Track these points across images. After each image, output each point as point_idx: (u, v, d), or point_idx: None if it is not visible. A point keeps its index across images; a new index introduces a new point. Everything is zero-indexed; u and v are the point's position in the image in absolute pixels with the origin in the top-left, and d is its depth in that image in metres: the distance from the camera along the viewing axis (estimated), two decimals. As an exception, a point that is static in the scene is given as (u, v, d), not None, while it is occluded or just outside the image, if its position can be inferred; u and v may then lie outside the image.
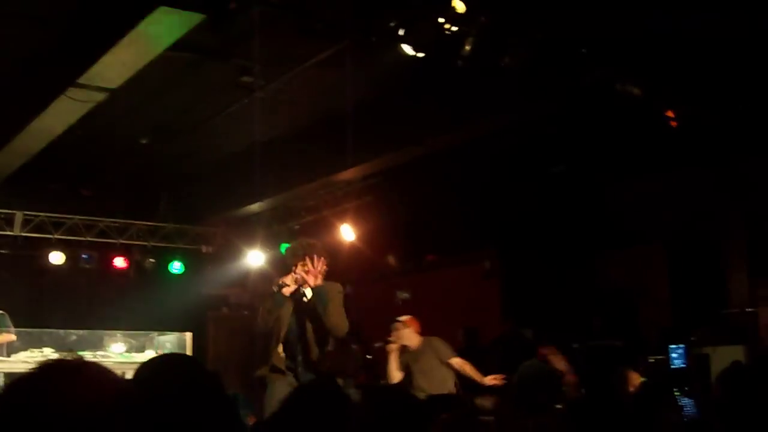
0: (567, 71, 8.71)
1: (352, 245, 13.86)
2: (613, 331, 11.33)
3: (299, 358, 7.73)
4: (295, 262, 7.69)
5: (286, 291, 7.67)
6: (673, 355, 10.36)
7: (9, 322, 12.58)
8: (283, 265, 8.11)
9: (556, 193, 11.90)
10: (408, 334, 9.69)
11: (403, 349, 9.64)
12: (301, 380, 7.64)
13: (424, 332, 9.81)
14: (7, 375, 12.10)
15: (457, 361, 9.57)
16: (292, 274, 7.67)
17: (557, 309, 12.06)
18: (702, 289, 11.19)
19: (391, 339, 9.73)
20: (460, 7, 7.54)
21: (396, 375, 9.53)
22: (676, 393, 8.13)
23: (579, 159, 11.34)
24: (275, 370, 7.69)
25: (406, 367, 9.55)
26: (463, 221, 12.89)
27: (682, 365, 10.24)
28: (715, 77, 9.05)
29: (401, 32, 7.72)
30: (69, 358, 1.67)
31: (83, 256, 15.17)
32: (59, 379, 1.54)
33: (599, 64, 8.68)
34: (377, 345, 10.11)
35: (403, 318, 9.94)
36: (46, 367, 1.56)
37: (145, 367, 2.32)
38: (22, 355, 11.85)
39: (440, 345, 9.70)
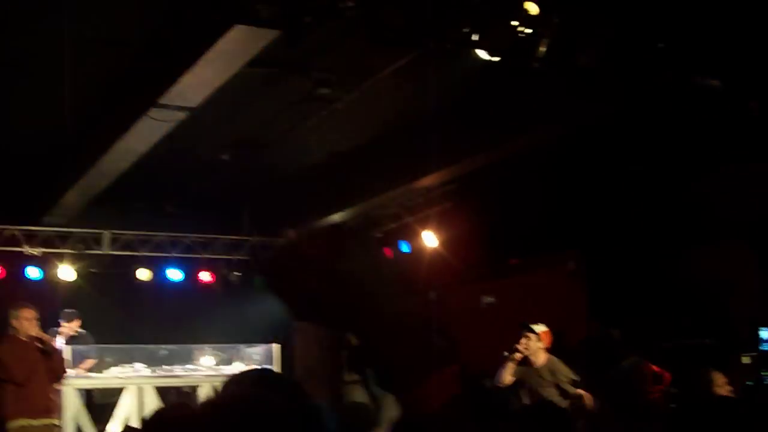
0: (644, 67, 8.61)
1: (435, 251, 13.86)
2: (703, 329, 11.13)
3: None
4: None
5: None
6: (764, 336, 10.15)
7: (92, 340, 12.84)
8: None
9: (639, 191, 11.73)
10: (537, 350, 9.63)
11: (525, 360, 9.58)
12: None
13: (512, 335, 9.76)
14: (101, 390, 12.38)
15: (575, 391, 9.41)
16: None
17: (645, 308, 11.89)
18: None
19: (519, 348, 9.63)
20: (533, 9, 7.49)
21: (508, 379, 9.45)
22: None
23: (662, 155, 11.16)
24: None
25: (519, 378, 9.48)
26: (545, 223, 12.77)
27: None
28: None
29: (475, 37, 7.69)
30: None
31: (170, 271, 15.42)
32: None
33: (676, 58, 8.56)
34: (505, 354, 9.98)
35: (539, 329, 9.85)
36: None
37: (231, 382, 2.35)
38: (114, 371, 12.07)
39: (562, 369, 9.60)
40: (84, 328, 12.93)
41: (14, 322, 9.52)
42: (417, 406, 11.22)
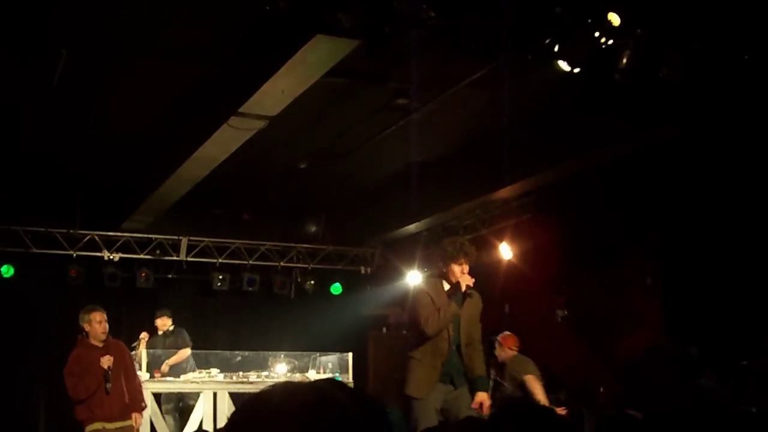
0: (728, 80, 8.47)
1: (510, 263, 13.78)
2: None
3: (456, 366, 7.44)
4: (457, 259, 7.40)
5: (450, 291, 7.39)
6: None
7: (187, 338, 13.04)
8: (443, 255, 7.64)
9: (721, 206, 11.52)
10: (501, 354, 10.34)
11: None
12: (458, 390, 7.40)
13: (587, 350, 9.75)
14: (182, 395, 12.53)
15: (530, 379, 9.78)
16: (451, 271, 7.41)
17: (723, 326, 11.67)
18: None
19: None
20: (616, 20, 7.42)
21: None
22: None
23: (744, 170, 10.95)
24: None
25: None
26: (623, 236, 12.62)
27: None
28: None
29: (556, 48, 7.64)
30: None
31: (246, 279, 15.56)
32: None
33: (762, 70, 8.39)
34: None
35: (501, 336, 10.61)
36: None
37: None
38: (191, 375, 12.19)
39: (517, 368, 10.17)
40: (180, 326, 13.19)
41: (86, 326, 9.23)
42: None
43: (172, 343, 13.01)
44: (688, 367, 11.30)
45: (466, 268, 7.34)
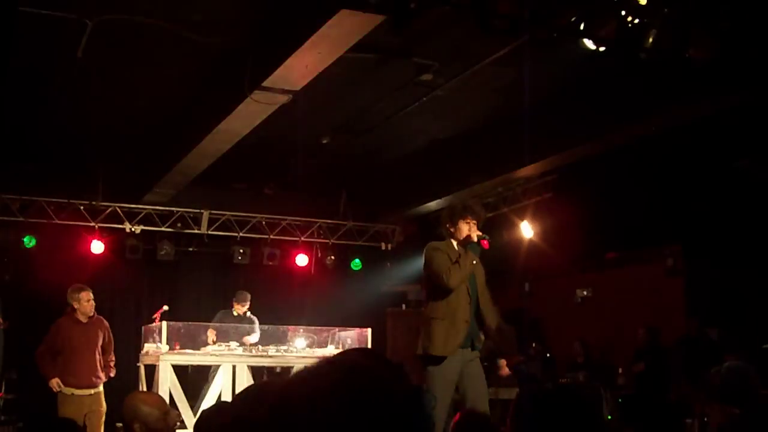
0: (754, 61, 8.40)
1: (531, 242, 13.77)
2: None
3: (475, 326, 7.21)
4: (464, 216, 7.22)
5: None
6: None
7: (255, 326, 13.06)
8: (450, 214, 7.42)
9: (744, 188, 11.45)
10: None
11: None
12: (474, 353, 7.18)
13: (608, 330, 9.66)
14: (196, 367, 12.61)
15: None
16: (459, 229, 7.21)
17: (744, 308, 11.63)
18: None
19: None
20: (643, -1, 7.38)
21: None
22: None
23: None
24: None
25: None
26: (645, 217, 12.58)
27: None
28: None
29: (582, 26, 7.59)
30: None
31: (266, 253, 15.59)
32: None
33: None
34: None
35: None
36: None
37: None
38: (210, 348, 12.24)
39: None
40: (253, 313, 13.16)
41: (75, 304, 10.41)
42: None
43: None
44: (709, 349, 11.29)
45: (474, 225, 7.21)
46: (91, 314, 10.58)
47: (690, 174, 11.77)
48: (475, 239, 7.15)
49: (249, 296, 13.09)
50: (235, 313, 12.99)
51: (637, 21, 7.54)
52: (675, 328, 12.24)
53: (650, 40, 7.65)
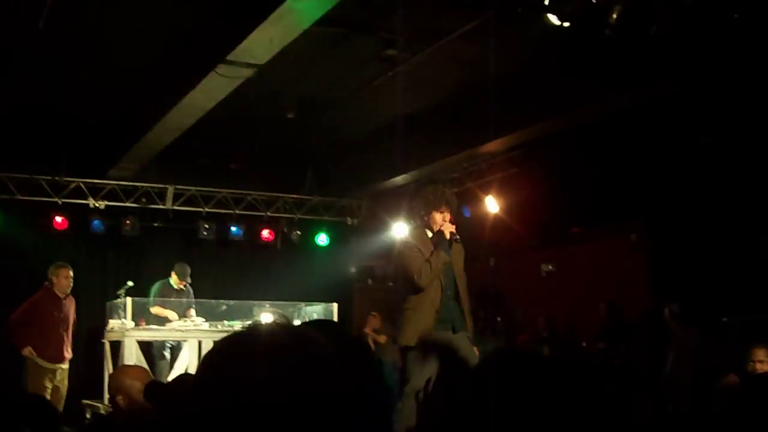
0: (717, 39, 8.44)
1: (496, 217, 13.81)
2: (765, 306, 10.93)
3: (454, 312, 7.26)
4: (439, 207, 7.27)
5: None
6: None
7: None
8: (425, 203, 7.44)
9: (706, 164, 11.54)
10: None
11: None
12: (458, 334, 7.24)
13: (572, 305, 9.70)
14: (160, 343, 12.60)
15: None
16: (432, 219, 7.26)
17: (706, 283, 11.73)
18: None
19: None
20: (608, -25, 7.39)
21: None
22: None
23: (732, 128, 10.95)
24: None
25: None
26: (609, 193, 12.64)
27: None
28: None
29: (547, 1, 7.60)
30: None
31: (232, 228, 15.55)
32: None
33: (752, 30, 8.37)
34: None
35: None
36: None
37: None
38: (175, 324, 12.22)
39: None
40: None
41: (54, 279, 11.03)
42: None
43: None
44: (672, 323, 11.38)
45: (447, 216, 7.23)
46: (68, 292, 11.10)
47: (653, 150, 11.83)
48: (448, 236, 7.20)
49: (189, 270, 13.10)
50: (175, 286, 12.94)
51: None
52: (638, 303, 12.33)
53: (614, 16, 7.67)
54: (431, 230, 7.29)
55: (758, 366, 7.15)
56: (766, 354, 7.24)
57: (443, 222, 7.21)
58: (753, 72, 9.12)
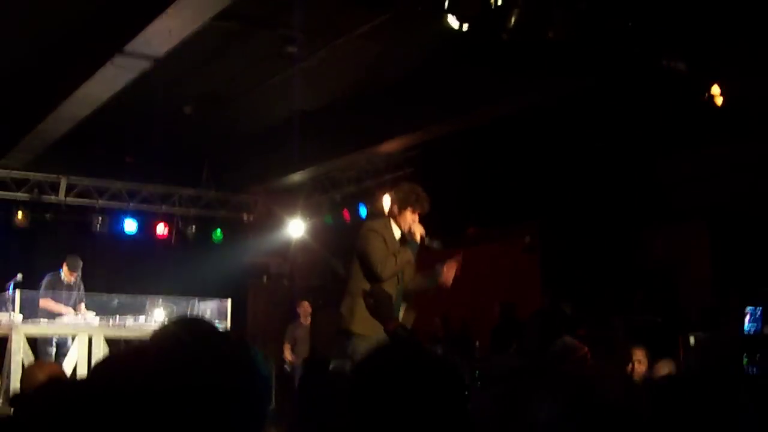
0: (613, 44, 8.64)
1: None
2: (654, 308, 11.23)
3: (397, 306, 7.07)
4: (414, 207, 7.18)
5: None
6: (748, 318, 9.53)
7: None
8: (400, 198, 7.28)
9: (599, 168, 11.81)
10: None
11: None
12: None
13: (467, 305, 9.76)
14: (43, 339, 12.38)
15: None
16: (403, 216, 7.14)
17: (598, 284, 12.00)
18: (745, 267, 11.05)
19: None
20: (506, -21, 7.50)
21: None
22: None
23: (624, 134, 11.22)
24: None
25: None
26: (504, 195, 12.84)
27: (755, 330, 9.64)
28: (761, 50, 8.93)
29: (447, 3, 7.67)
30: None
31: (126, 222, 15.33)
32: None
33: (645, 37, 8.59)
34: None
35: None
36: None
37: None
38: (66, 319, 11.99)
39: None
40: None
41: None
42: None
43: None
44: (563, 323, 11.59)
45: (416, 217, 7.25)
46: None
47: (548, 153, 12.06)
48: (418, 238, 7.20)
49: (81, 263, 12.84)
50: (65, 280, 12.68)
51: (500, 1, 7.66)
52: (532, 303, 12.52)
53: (512, 20, 7.79)
54: (399, 226, 7.25)
55: (637, 366, 7.31)
56: (644, 354, 7.41)
57: (413, 222, 7.22)
58: (646, 75, 9.36)
